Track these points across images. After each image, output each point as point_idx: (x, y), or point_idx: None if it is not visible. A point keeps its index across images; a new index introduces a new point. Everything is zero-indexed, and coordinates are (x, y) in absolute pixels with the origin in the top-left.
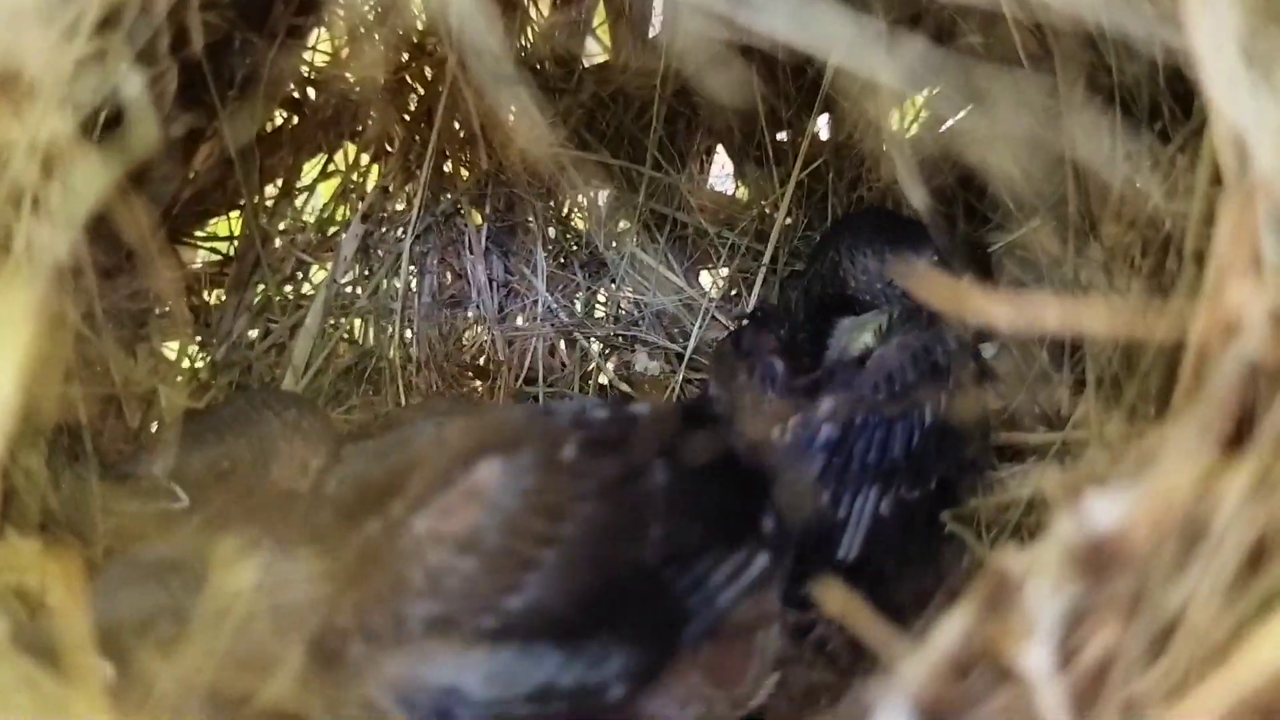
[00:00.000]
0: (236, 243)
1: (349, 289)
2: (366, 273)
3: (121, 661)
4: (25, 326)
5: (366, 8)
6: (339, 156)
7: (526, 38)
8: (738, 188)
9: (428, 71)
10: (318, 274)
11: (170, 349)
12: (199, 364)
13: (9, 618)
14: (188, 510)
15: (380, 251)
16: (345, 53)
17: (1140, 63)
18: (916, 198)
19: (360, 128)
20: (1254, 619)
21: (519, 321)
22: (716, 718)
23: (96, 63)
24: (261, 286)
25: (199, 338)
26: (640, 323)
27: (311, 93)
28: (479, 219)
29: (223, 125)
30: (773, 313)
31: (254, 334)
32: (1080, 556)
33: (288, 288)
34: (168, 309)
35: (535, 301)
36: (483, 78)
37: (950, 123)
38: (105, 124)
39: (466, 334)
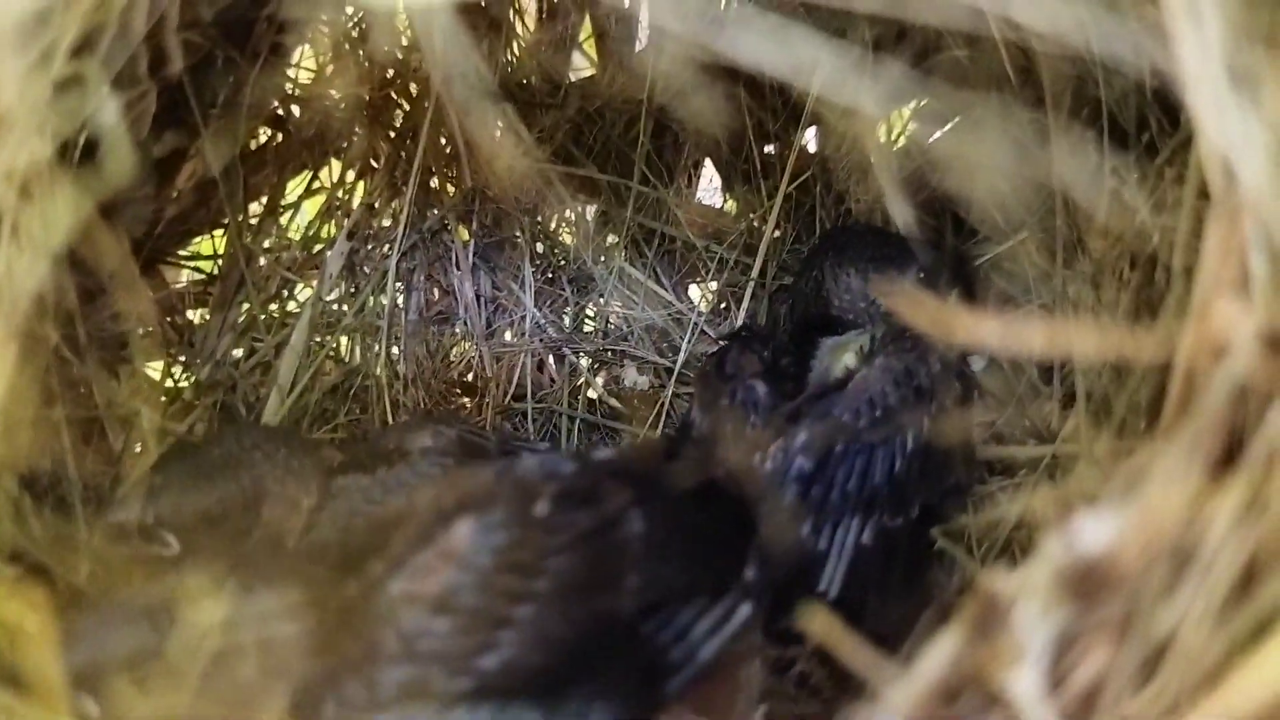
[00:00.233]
0: (220, 261)
1: (335, 307)
2: (353, 290)
3: (107, 699)
4: (2, 354)
5: (350, 25)
6: (324, 174)
7: (512, 53)
8: (725, 201)
9: (413, 88)
10: (303, 292)
11: (154, 369)
12: (183, 384)
13: None
14: (178, 556)
15: (366, 269)
16: (329, 70)
17: (1127, 77)
18: (900, 215)
19: (345, 145)
20: (1246, 642)
21: (507, 337)
22: None
23: (73, 88)
24: (246, 305)
25: (183, 357)
26: (629, 337)
27: (296, 110)
28: (466, 235)
29: (205, 144)
30: (757, 332)
31: (239, 353)
32: (1070, 579)
33: (273, 306)
34: (150, 329)
35: (523, 317)
36: (463, 97)
37: (936, 135)
38: (85, 148)
39: (454, 350)
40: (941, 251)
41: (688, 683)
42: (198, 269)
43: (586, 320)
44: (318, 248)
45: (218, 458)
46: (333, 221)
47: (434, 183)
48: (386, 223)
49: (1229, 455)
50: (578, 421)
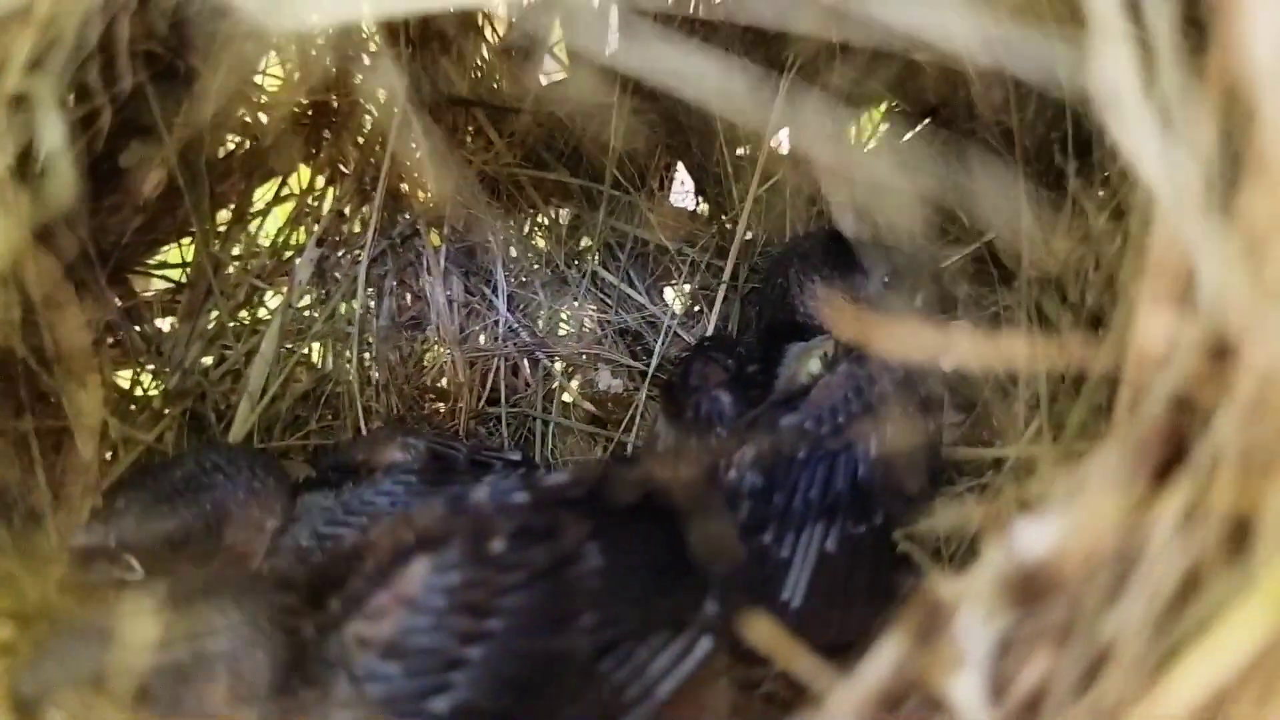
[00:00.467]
0: (189, 270)
1: (306, 314)
2: (323, 297)
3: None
4: None
5: (316, 33)
6: (293, 180)
7: (482, 57)
8: (698, 204)
9: (381, 93)
10: (273, 299)
11: (123, 379)
12: (152, 393)
13: None
14: (142, 580)
15: (337, 275)
16: (296, 77)
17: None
18: (849, 226)
19: (314, 151)
20: (1186, 647)
21: (480, 342)
22: None
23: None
24: (215, 313)
25: (151, 366)
26: (603, 341)
27: (263, 118)
28: (437, 240)
29: (170, 153)
30: (721, 342)
31: (208, 361)
32: (1012, 585)
33: (242, 314)
34: (118, 339)
35: (497, 321)
36: (390, 121)
37: (909, 136)
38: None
39: (427, 356)
40: (907, 257)
41: (647, 718)
42: (166, 277)
43: (560, 324)
44: (287, 254)
45: (179, 480)
46: (302, 228)
47: (404, 188)
48: (356, 228)
49: (1172, 463)
50: (552, 426)
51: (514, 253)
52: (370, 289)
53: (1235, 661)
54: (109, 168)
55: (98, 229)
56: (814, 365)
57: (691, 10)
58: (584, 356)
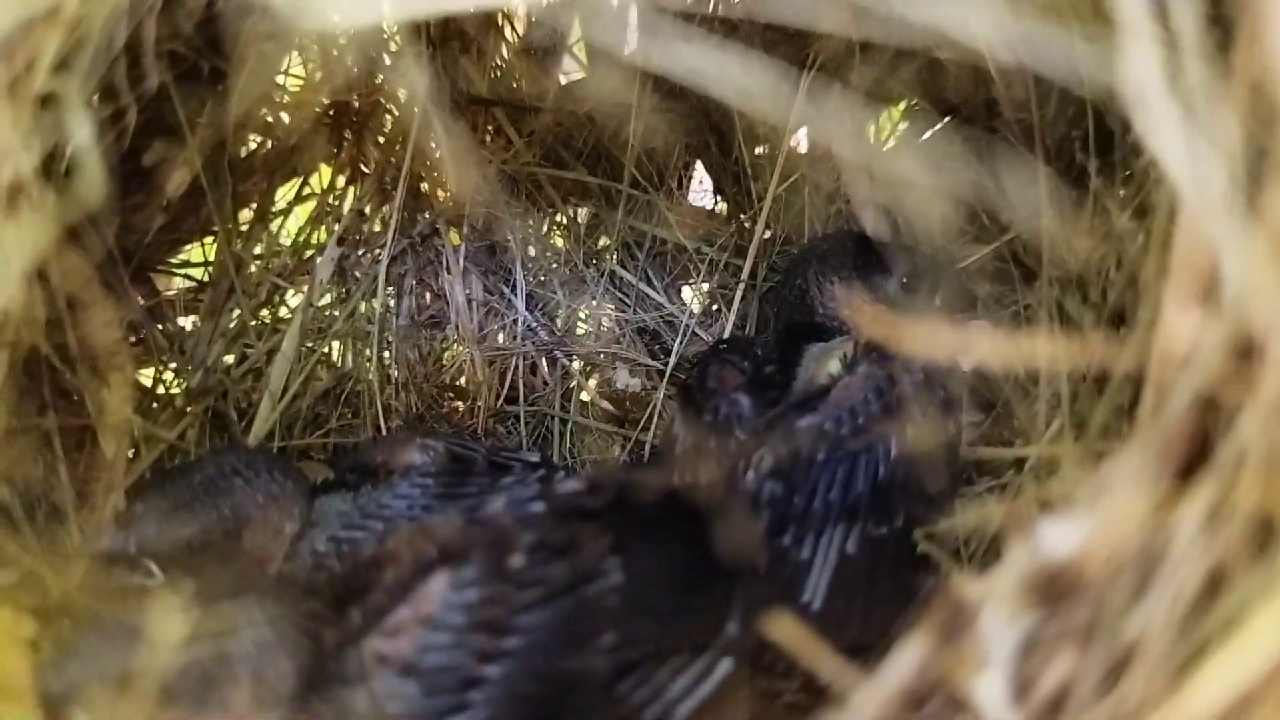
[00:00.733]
0: (211, 269)
1: (326, 312)
2: (343, 295)
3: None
4: None
5: (338, 33)
6: (314, 180)
7: (501, 56)
8: (716, 203)
9: (401, 93)
10: (294, 298)
11: (145, 377)
12: (174, 391)
13: None
14: (162, 585)
15: (357, 274)
16: (319, 77)
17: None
18: (870, 224)
19: (335, 151)
20: (1210, 647)
21: (499, 341)
22: None
23: (52, 105)
24: (237, 312)
25: (174, 365)
26: (621, 340)
27: (285, 118)
28: (457, 239)
29: (194, 153)
30: (737, 344)
31: (230, 360)
32: (1036, 585)
33: (264, 312)
34: (142, 336)
35: (515, 320)
36: (411, 121)
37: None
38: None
39: (446, 354)
40: (926, 256)
41: None
42: (188, 276)
43: (579, 323)
44: (308, 254)
45: (198, 484)
46: (323, 227)
47: (424, 187)
48: (377, 228)
49: (1196, 462)
50: (570, 424)
51: (533, 251)
52: (390, 288)
53: (1261, 662)
54: (133, 167)
55: (122, 228)
56: (833, 366)
57: (712, 8)
58: (602, 355)
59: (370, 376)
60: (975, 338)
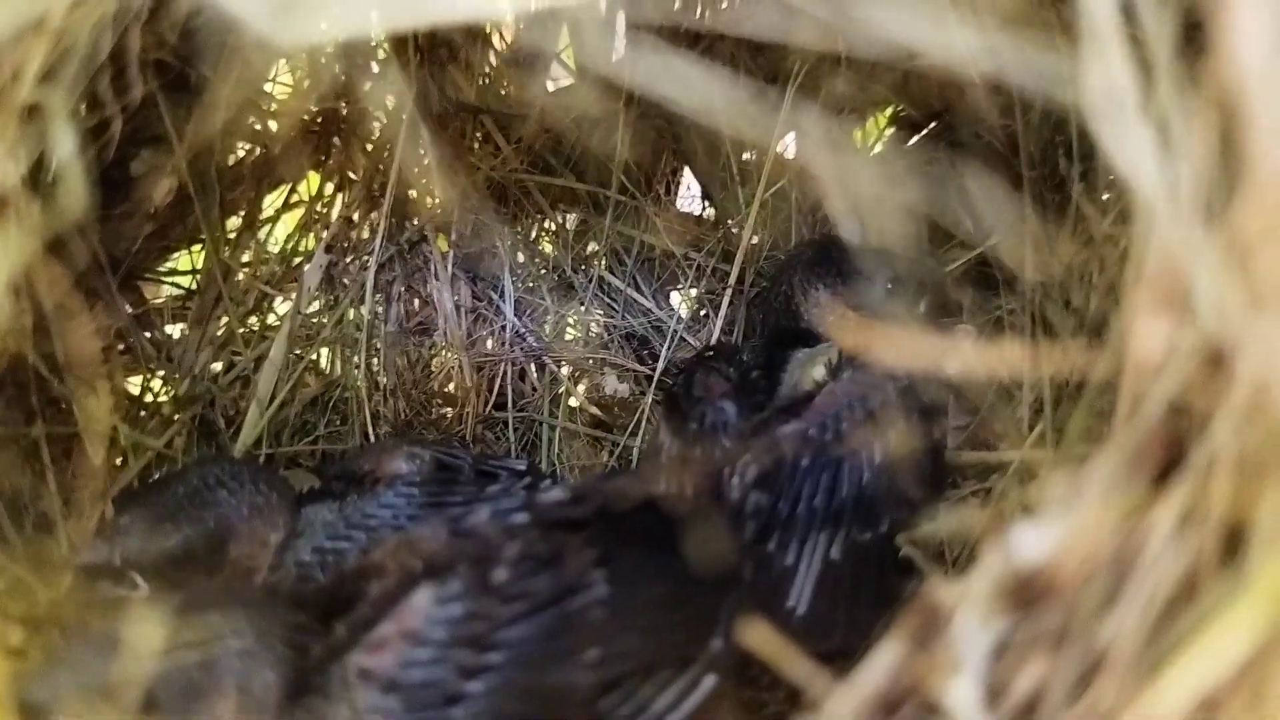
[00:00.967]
0: (199, 276)
1: (314, 319)
2: (331, 303)
3: None
4: None
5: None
6: (302, 187)
7: (489, 64)
8: (704, 209)
9: (389, 101)
10: (282, 305)
11: (133, 385)
12: (162, 399)
13: None
14: (147, 597)
15: (345, 281)
16: (305, 85)
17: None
18: (848, 230)
19: (323, 158)
20: (1179, 652)
21: (488, 347)
22: None
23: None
24: (225, 319)
25: (161, 372)
26: (609, 346)
27: (273, 126)
28: (445, 245)
29: (181, 162)
30: (722, 351)
31: (218, 367)
32: (1009, 590)
33: (251, 320)
34: (130, 344)
35: (503, 326)
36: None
37: (913, 141)
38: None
39: (434, 361)
40: (910, 262)
41: None
42: (176, 284)
43: (567, 329)
44: (296, 261)
45: (183, 495)
46: (311, 234)
47: (412, 194)
48: (365, 235)
49: (1169, 468)
50: (559, 430)
51: (521, 258)
52: (378, 295)
53: (1227, 665)
54: (120, 176)
55: (109, 236)
56: (818, 372)
57: (696, 18)
58: (590, 361)
59: (358, 383)
60: (957, 344)
